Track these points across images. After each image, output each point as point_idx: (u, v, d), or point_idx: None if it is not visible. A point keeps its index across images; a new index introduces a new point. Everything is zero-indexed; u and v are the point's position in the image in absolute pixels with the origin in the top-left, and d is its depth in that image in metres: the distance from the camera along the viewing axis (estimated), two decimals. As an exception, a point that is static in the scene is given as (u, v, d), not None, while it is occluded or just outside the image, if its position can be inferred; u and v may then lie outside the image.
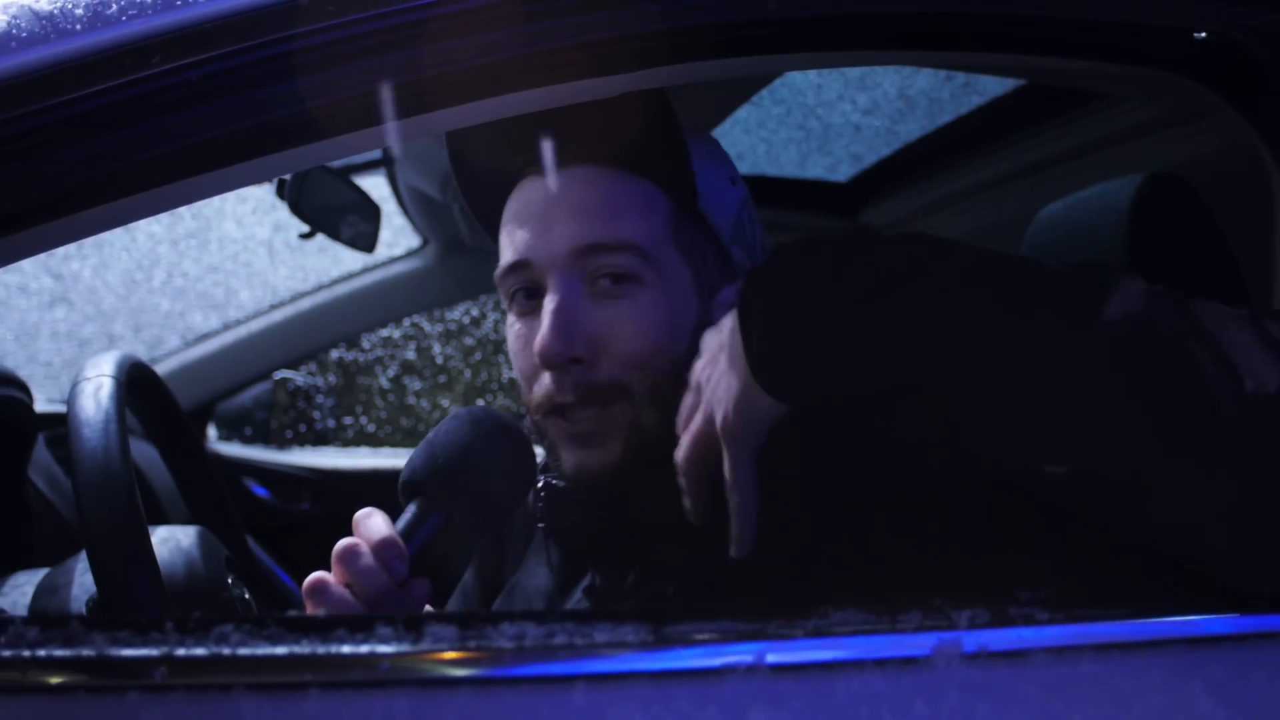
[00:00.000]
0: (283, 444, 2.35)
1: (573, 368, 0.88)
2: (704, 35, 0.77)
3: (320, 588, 0.80)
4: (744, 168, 1.97)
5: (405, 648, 0.58)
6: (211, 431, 2.29)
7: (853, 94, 1.68)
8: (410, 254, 2.22)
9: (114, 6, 0.59)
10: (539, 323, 0.89)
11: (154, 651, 0.56)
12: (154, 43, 0.61)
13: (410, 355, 3.29)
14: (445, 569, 0.89)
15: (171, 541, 0.97)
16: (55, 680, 0.56)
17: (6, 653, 0.55)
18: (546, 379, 0.89)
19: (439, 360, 3.33)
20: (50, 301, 2.74)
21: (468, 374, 3.32)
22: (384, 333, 3.18)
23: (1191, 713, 0.61)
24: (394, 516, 0.86)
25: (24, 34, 0.59)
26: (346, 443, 2.90)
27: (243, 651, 0.57)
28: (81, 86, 0.59)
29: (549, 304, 0.88)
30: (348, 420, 3.15)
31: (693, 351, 0.86)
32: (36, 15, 0.60)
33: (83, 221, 0.63)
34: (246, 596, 1.03)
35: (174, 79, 0.61)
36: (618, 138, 0.90)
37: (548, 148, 0.91)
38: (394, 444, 3.24)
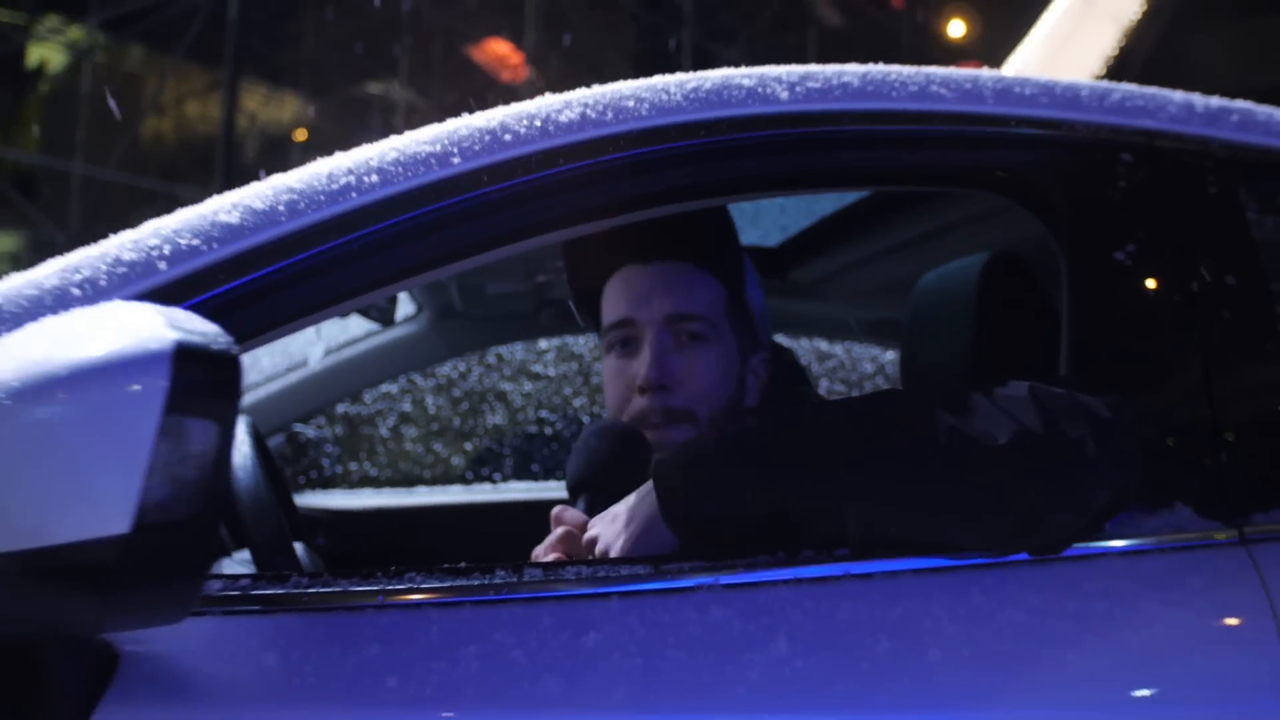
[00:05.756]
0: (297, 488, 2.57)
1: (659, 393, 1.27)
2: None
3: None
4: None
5: (514, 578, 0.92)
6: (235, 480, 2.54)
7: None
8: (406, 320, 2.47)
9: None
10: (636, 362, 1.30)
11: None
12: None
13: (406, 407, 3.53)
14: None
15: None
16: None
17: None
18: (639, 402, 1.29)
19: (431, 411, 3.58)
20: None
21: (456, 422, 3.57)
22: (383, 388, 3.41)
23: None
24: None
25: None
26: (352, 485, 3.12)
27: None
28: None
29: (649, 349, 1.29)
30: (353, 466, 3.37)
31: (735, 396, 1.30)
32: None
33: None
34: None
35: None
36: (699, 244, 1.34)
37: (647, 247, 1.32)
38: (394, 485, 3.46)
